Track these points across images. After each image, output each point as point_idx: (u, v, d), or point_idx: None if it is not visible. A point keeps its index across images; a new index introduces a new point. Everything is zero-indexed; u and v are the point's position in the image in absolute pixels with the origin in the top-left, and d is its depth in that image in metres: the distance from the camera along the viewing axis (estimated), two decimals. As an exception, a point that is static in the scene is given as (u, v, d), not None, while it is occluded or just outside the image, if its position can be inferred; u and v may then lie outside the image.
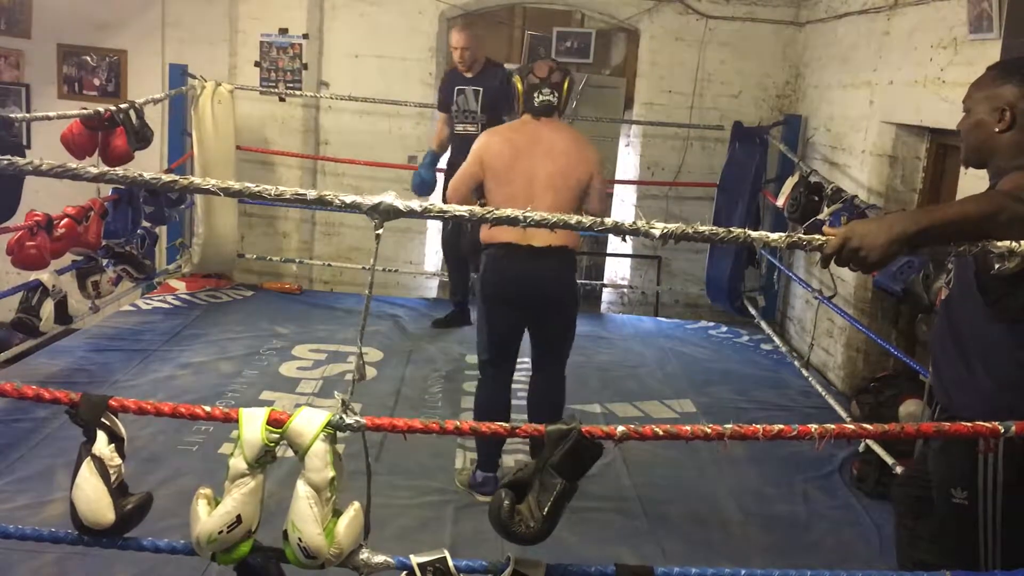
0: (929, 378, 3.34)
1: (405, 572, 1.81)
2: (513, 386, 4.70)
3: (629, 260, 6.88)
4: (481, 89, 5.29)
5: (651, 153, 6.63)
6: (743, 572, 1.92)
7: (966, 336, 2.16)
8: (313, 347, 5.09)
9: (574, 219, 1.85)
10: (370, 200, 1.82)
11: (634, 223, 1.82)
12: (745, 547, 3.27)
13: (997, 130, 2.11)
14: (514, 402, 4.49)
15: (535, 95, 3.47)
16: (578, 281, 3.70)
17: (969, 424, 1.84)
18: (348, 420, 1.79)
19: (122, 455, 1.87)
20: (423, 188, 5.43)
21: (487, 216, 1.84)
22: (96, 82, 6.49)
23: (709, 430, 1.79)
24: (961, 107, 2.24)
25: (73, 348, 4.76)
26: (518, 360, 3.69)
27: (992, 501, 2.08)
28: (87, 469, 1.81)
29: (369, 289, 1.96)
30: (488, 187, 3.44)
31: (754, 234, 1.83)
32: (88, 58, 6.47)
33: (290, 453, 1.81)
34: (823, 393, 4.62)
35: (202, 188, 1.88)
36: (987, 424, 1.82)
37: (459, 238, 5.08)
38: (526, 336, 3.60)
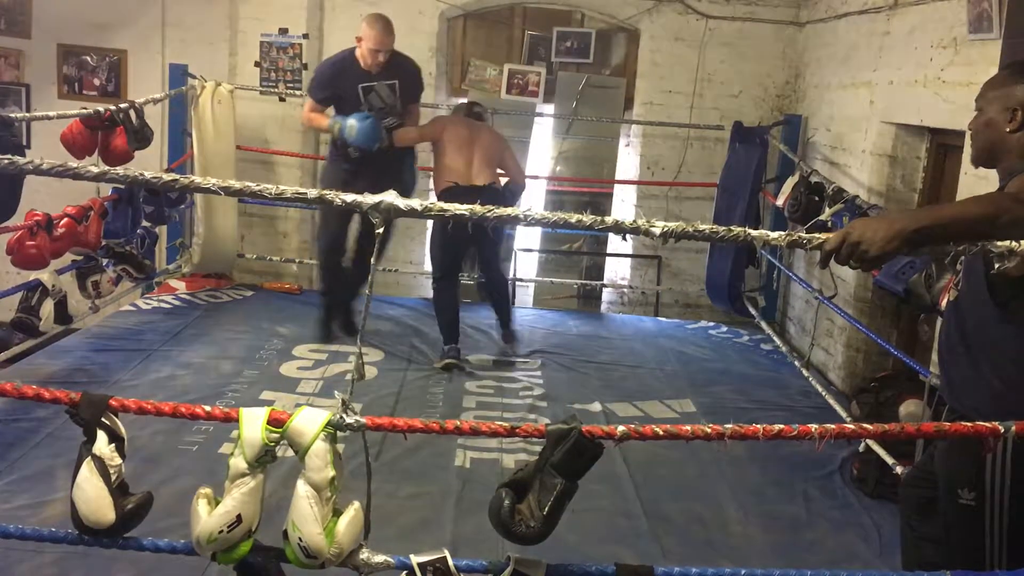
0: (930, 378, 3.36)
1: (405, 572, 1.81)
2: (515, 385, 4.73)
3: (629, 260, 6.88)
4: (396, 82, 4.90)
5: (651, 153, 6.63)
6: (743, 572, 1.92)
7: (974, 337, 2.16)
8: (313, 347, 5.09)
9: (574, 218, 1.85)
10: (371, 199, 1.82)
11: (634, 222, 1.82)
12: (745, 547, 3.27)
13: (1008, 130, 2.11)
14: (515, 402, 4.52)
15: (473, 108, 5.28)
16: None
17: (970, 424, 1.84)
18: (348, 420, 1.79)
19: (122, 455, 1.87)
20: (370, 137, 4.75)
21: (486, 215, 1.84)
22: (96, 82, 6.49)
23: (709, 430, 1.79)
24: (961, 107, 2.25)
25: (73, 348, 4.75)
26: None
27: (1000, 502, 2.08)
28: (87, 469, 1.81)
29: (369, 289, 1.96)
30: (441, 146, 4.93)
31: (754, 233, 1.83)
32: (88, 58, 6.47)
33: (290, 453, 1.81)
34: (823, 393, 4.62)
35: (202, 188, 1.88)
36: (987, 424, 1.82)
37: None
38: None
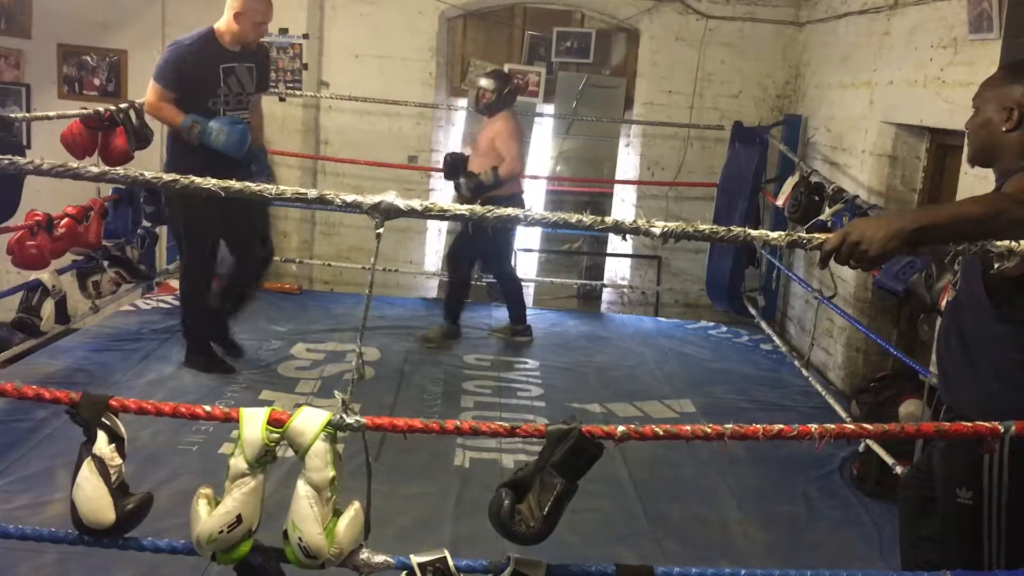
0: (930, 377, 3.36)
1: (405, 572, 1.81)
2: (514, 385, 4.74)
3: (629, 260, 6.88)
4: (254, 66, 4.36)
5: (651, 153, 6.63)
6: (743, 572, 1.92)
7: (972, 337, 2.16)
8: (312, 347, 5.09)
9: (574, 218, 1.85)
10: (371, 199, 1.82)
11: (634, 222, 1.82)
12: (745, 547, 3.27)
13: (1004, 129, 2.11)
14: (514, 402, 4.52)
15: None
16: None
17: (969, 424, 1.84)
18: (348, 420, 1.79)
19: (122, 455, 1.87)
20: (240, 146, 4.21)
21: (487, 215, 1.84)
22: (96, 82, 6.49)
23: (709, 430, 1.79)
24: (961, 107, 2.26)
25: (73, 348, 4.75)
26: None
27: (997, 501, 2.08)
28: (87, 469, 1.81)
29: (369, 289, 1.96)
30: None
31: (754, 233, 1.83)
32: (88, 58, 6.47)
33: (290, 453, 1.81)
34: (823, 393, 4.62)
35: (202, 188, 1.88)
36: (987, 424, 1.82)
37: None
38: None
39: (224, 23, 4.20)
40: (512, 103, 5.28)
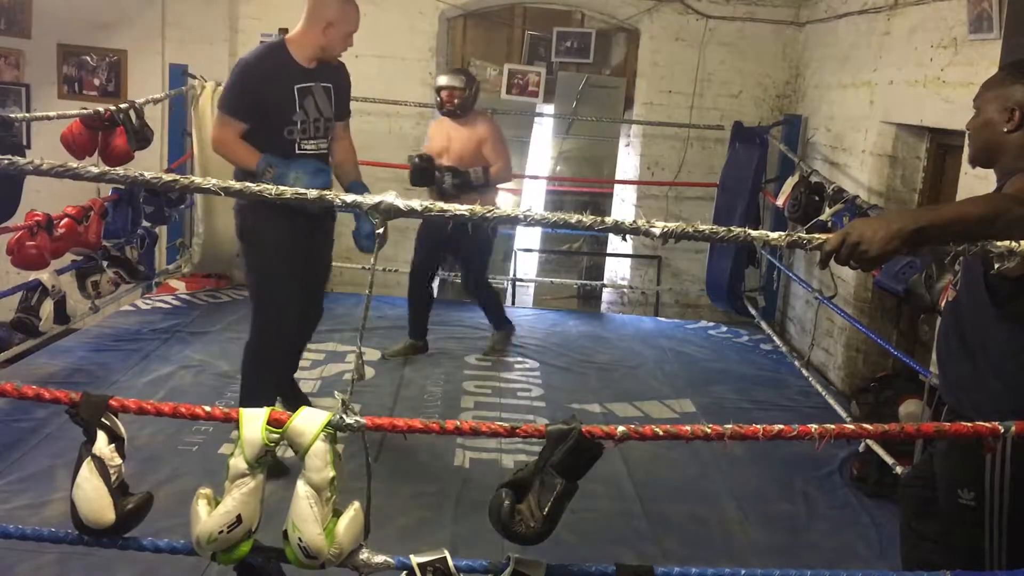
0: (930, 377, 3.36)
1: (405, 572, 1.81)
2: (514, 386, 4.73)
3: (629, 260, 6.88)
4: (331, 86, 3.56)
5: (651, 153, 6.63)
6: (743, 572, 1.92)
7: (972, 337, 2.16)
8: (312, 347, 5.07)
9: (574, 218, 1.85)
10: (371, 199, 1.82)
11: (634, 222, 1.82)
12: (745, 547, 3.27)
13: (1005, 130, 2.12)
14: (514, 402, 4.52)
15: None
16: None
17: (969, 424, 1.84)
18: (348, 420, 1.79)
19: (122, 455, 1.87)
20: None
21: (487, 215, 1.84)
22: (96, 82, 6.49)
23: (709, 430, 1.79)
24: (961, 107, 2.26)
25: (73, 348, 4.75)
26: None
27: (999, 501, 2.08)
28: (87, 469, 1.81)
29: (369, 289, 1.96)
30: None
31: (754, 233, 1.83)
32: (88, 58, 6.46)
33: (290, 453, 1.81)
34: (823, 393, 4.62)
35: (202, 188, 1.88)
36: (987, 424, 1.82)
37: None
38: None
39: (301, 33, 3.43)
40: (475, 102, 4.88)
